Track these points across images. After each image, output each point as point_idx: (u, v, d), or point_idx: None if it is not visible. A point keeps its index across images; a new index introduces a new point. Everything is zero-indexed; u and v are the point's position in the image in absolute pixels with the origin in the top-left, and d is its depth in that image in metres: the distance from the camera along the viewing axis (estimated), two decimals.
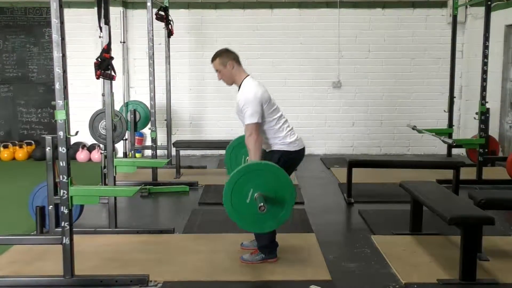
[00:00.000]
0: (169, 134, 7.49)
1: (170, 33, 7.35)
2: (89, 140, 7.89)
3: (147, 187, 5.97)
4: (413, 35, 8.51)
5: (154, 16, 6.82)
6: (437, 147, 8.62)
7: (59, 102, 3.15)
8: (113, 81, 4.37)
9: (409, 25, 8.50)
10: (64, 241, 3.29)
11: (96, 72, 4.08)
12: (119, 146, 7.38)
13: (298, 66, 8.53)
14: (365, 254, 3.98)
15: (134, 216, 5.18)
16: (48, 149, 3.73)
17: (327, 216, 5.09)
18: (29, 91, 8.66)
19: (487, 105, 6.15)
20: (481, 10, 7.05)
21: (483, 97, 6.12)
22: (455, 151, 8.12)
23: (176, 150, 6.83)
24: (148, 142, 8.42)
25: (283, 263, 3.71)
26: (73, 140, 7.92)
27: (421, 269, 3.62)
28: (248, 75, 3.76)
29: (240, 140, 4.24)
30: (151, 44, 6.58)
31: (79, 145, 8.32)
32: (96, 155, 8.18)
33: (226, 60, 3.72)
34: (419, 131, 7.19)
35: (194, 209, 5.30)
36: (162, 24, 7.25)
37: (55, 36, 3.11)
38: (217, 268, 3.64)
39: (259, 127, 3.58)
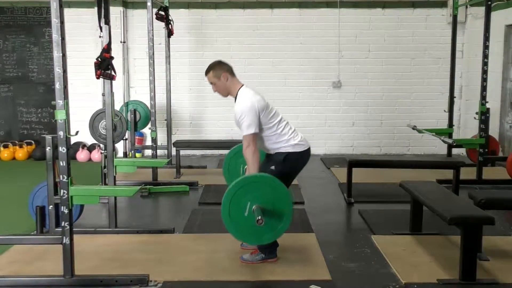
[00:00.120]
0: (169, 134, 7.49)
1: (170, 33, 7.35)
2: (89, 140, 7.89)
3: (147, 187, 5.97)
4: (413, 35, 8.51)
5: (154, 16, 6.82)
6: (437, 147, 8.62)
7: (59, 102, 3.15)
8: (113, 81, 4.38)
9: (409, 25, 8.50)
10: (64, 241, 3.29)
11: (96, 72, 4.08)
12: (119, 146, 7.39)
13: (298, 66, 8.54)
14: (365, 254, 3.98)
15: (134, 216, 5.18)
16: (48, 149, 3.73)
17: (327, 216, 5.09)
18: (29, 91, 8.66)
19: (487, 105, 6.15)
20: (481, 10, 7.05)
21: (483, 97, 6.12)
22: (455, 151, 8.12)
23: (176, 150, 6.83)
24: (148, 142, 8.43)
25: (283, 263, 3.71)
26: (73, 140, 7.92)
27: (421, 269, 3.62)
28: (243, 85, 3.76)
29: (236, 151, 4.25)
30: (151, 44, 6.58)
31: (79, 145, 8.32)
32: (96, 155, 8.18)
33: (220, 73, 3.74)
34: (419, 131, 7.19)
35: (194, 209, 5.30)
36: (162, 24, 7.25)
37: (55, 36, 3.11)
38: (217, 268, 3.64)
39: (256, 137, 3.58)
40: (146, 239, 4.30)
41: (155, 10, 6.87)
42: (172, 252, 4.00)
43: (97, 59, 4.10)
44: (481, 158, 6.23)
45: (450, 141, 6.55)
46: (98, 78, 4.16)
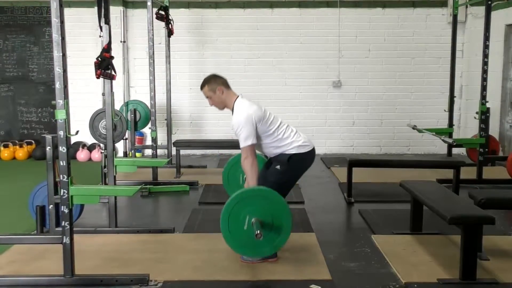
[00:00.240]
0: (169, 133, 7.49)
1: (170, 32, 7.35)
2: (89, 140, 7.90)
3: (147, 186, 5.97)
4: (413, 34, 8.51)
5: (154, 16, 6.82)
6: (437, 147, 8.63)
7: (59, 101, 3.15)
8: (113, 81, 4.37)
9: (409, 25, 8.50)
10: (64, 241, 3.29)
11: (96, 71, 4.08)
12: (119, 146, 7.39)
13: (298, 66, 8.54)
14: (365, 253, 3.98)
15: (134, 216, 5.18)
16: (48, 148, 3.73)
17: (327, 215, 5.09)
18: (29, 91, 8.66)
19: (488, 105, 6.15)
20: (481, 10, 7.04)
21: (483, 97, 6.11)
22: (455, 150, 8.12)
23: (176, 150, 6.83)
24: (148, 142, 8.43)
25: (283, 263, 3.71)
26: (73, 139, 7.92)
27: (421, 268, 3.62)
28: (238, 96, 3.76)
29: (235, 161, 4.25)
30: (151, 44, 6.57)
31: (79, 145, 8.33)
32: (96, 155, 8.18)
33: (215, 86, 3.75)
34: (419, 131, 7.19)
35: (194, 208, 5.30)
36: (162, 24, 7.25)
37: (55, 36, 3.11)
38: (218, 268, 3.63)
39: (255, 148, 3.58)
40: (146, 239, 4.30)
41: (155, 9, 6.87)
42: (172, 251, 4.00)
43: (97, 58, 4.10)
44: (481, 157, 6.23)
45: (450, 140, 6.55)
46: (98, 77, 4.16)
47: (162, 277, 3.47)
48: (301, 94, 8.61)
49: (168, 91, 7.53)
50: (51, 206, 4.04)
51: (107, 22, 4.22)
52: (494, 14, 6.56)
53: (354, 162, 5.69)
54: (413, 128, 7.39)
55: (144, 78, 7.40)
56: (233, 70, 8.53)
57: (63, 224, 3.30)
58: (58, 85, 3.15)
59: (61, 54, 3.12)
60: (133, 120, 7.34)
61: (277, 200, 3.19)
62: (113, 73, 4.21)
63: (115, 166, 4.55)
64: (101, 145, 6.46)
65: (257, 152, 3.75)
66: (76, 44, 7.97)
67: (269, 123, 3.68)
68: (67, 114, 3.18)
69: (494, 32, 6.93)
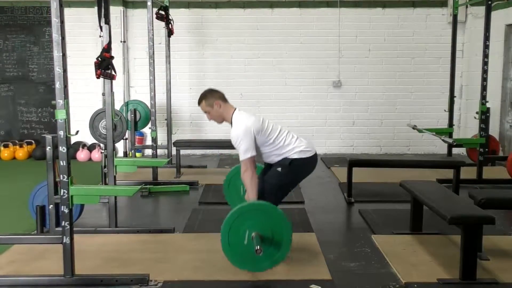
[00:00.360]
0: (169, 133, 7.49)
1: (170, 32, 7.35)
2: (90, 140, 7.90)
3: (148, 186, 5.97)
4: (414, 34, 8.51)
5: (154, 16, 6.82)
6: (437, 147, 8.63)
7: (60, 101, 3.15)
8: (113, 81, 4.38)
9: (409, 25, 8.50)
10: (64, 241, 3.29)
11: (96, 71, 4.08)
12: (120, 146, 7.39)
13: (298, 66, 8.54)
14: (365, 253, 3.98)
15: (134, 216, 5.17)
16: (48, 148, 3.73)
17: (327, 215, 5.09)
18: (29, 91, 8.66)
19: (488, 105, 6.15)
20: (481, 10, 7.04)
21: (483, 97, 6.11)
22: (455, 150, 8.12)
23: (176, 150, 6.83)
24: (149, 142, 8.43)
25: (283, 263, 3.69)
26: (73, 139, 7.92)
27: (421, 268, 3.62)
28: (236, 109, 3.75)
29: (234, 172, 4.25)
30: (151, 44, 6.57)
31: (80, 145, 8.33)
32: (96, 155, 8.18)
33: (212, 101, 3.74)
34: (420, 131, 7.19)
35: (194, 208, 5.30)
36: (163, 24, 7.25)
37: (55, 36, 3.11)
38: (217, 268, 3.63)
39: (254, 160, 3.59)
40: (146, 239, 4.30)
41: (155, 9, 6.87)
42: (172, 251, 4.00)
43: (97, 58, 4.10)
44: (481, 157, 6.23)
45: (450, 140, 6.55)
46: (98, 77, 4.16)
47: (162, 277, 3.47)
48: (301, 94, 8.61)
49: (168, 91, 7.53)
50: (51, 206, 4.04)
51: (107, 22, 4.22)
52: (494, 14, 6.56)
53: (354, 162, 5.69)
54: (413, 128, 7.39)
55: (144, 78, 7.40)
56: (233, 70, 8.54)
57: (63, 224, 3.30)
58: (58, 85, 3.15)
59: (61, 54, 3.12)
60: (133, 120, 7.34)
61: (277, 214, 3.19)
62: (113, 73, 4.21)
63: (115, 166, 4.55)
64: (101, 145, 6.46)
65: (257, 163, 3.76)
66: (76, 44, 7.97)
67: (268, 132, 3.68)
68: (67, 114, 3.18)
69: (494, 32, 6.93)
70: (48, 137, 3.65)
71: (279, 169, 3.69)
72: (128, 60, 8.46)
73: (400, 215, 4.80)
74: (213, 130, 8.52)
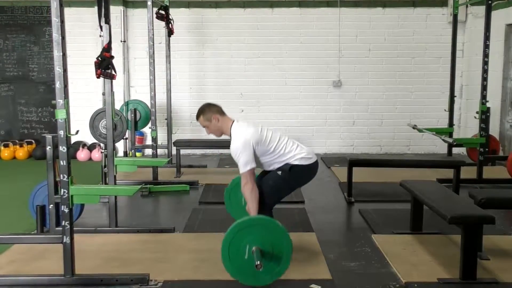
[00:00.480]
0: (169, 133, 7.49)
1: (170, 32, 7.35)
2: (90, 139, 7.90)
3: (148, 186, 5.97)
4: (414, 34, 8.51)
5: (155, 15, 6.82)
6: (437, 146, 8.63)
7: (60, 101, 3.15)
8: (113, 80, 4.38)
9: (409, 24, 8.50)
10: (64, 240, 3.30)
11: (96, 71, 4.08)
12: (120, 145, 7.39)
13: (298, 65, 8.54)
14: (366, 253, 3.98)
15: (134, 215, 5.18)
16: (48, 148, 3.73)
17: (328, 215, 5.09)
18: (29, 90, 8.66)
19: (488, 104, 6.14)
20: (481, 9, 7.04)
21: (483, 96, 6.11)
22: (455, 150, 8.11)
23: (176, 149, 6.83)
24: (149, 141, 8.43)
25: None
26: (73, 139, 7.92)
27: (422, 268, 3.62)
28: (234, 121, 3.75)
29: (235, 182, 4.25)
30: (151, 43, 6.57)
31: (80, 144, 8.33)
32: (96, 154, 8.18)
33: (210, 115, 3.75)
34: (420, 130, 7.19)
35: (194, 208, 5.30)
36: (163, 23, 7.25)
37: (56, 35, 3.11)
38: (218, 267, 3.62)
39: (254, 172, 3.59)
40: (146, 239, 4.30)
41: (155, 9, 6.87)
42: (172, 251, 4.00)
43: (97, 58, 4.11)
44: (481, 157, 6.23)
45: (450, 140, 6.55)
46: (98, 77, 4.16)
47: (162, 277, 3.47)
48: (301, 94, 8.60)
49: (168, 90, 7.53)
50: (51, 205, 4.05)
51: (107, 21, 4.22)
52: (494, 14, 6.56)
53: (354, 162, 5.69)
54: (413, 128, 7.39)
55: (144, 77, 7.40)
56: (233, 70, 8.54)
57: (63, 223, 3.30)
58: (58, 84, 3.15)
59: (61, 53, 3.12)
60: (133, 119, 7.34)
61: (278, 229, 3.20)
62: (113, 72, 4.22)
63: (115, 165, 4.55)
64: (101, 144, 6.46)
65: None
66: (76, 44, 7.97)
67: (268, 142, 3.67)
68: (67, 113, 3.18)
69: (495, 31, 6.93)
70: (48, 136, 3.65)
71: (279, 172, 3.70)
72: (128, 59, 8.46)
73: (400, 215, 4.80)
74: None
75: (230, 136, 3.72)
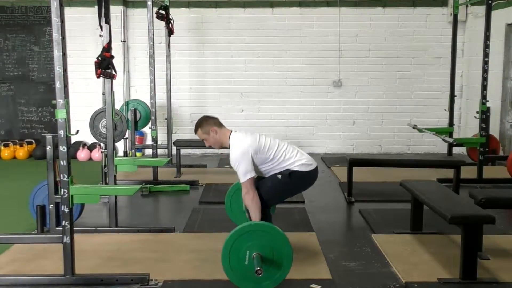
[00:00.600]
0: (169, 133, 7.49)
1: (170, 32, 7.35)
2: (90, 139, 7.90)
3: (148, 186, 5.97)
4: (414, 34, 8.51)
5: (155, 15, 6.82)
6: (437, 146, 8.63)
7: (60, 101, 3.15)
8: (113, 80, 4.38)
9: (409, 24, 8.50)
10: (64, 240, 3.30)
11: (96, 71, 4.08)
12: (120, 145, 7.39)
13: (298, 65, 8.54)
14: (366, 253, 3.98)
15: (134, 215, 5.18)
16: (48, 148, 3.73)
17: (328, 215, 5.09)
18: (29, 90, 8.66)
19: (488, 104, 6.14)
20: (481, 9, 7.04)
21: (483, 96, 6.11)
22: (455, 150, 8.11)
23: (176, 149, 6.83)
24: (149, 141, 8.43)
25: None
26: (73, 139, 7.92)
27: (422, 268, 3.62)
28: (232, 132, 3.76)
29: (236, 188, 4.25)
30: (151, 43, 6.57)
31: (80, 144, 8.33)
32: (96, 154, 8.18)
33: (208, 128, 3.78)
34: (420, 130, 7.19)
35: (194, 208, 5.30)
36: (163, 23, 7.25)
37: (56, 35, 3.11)
38: (218, 267, 3.61)
39: (254, 181, 3.60)
40: (146, 238, 4.30)
41: (155, 9, 6.87)
42: (172, 251, 4.00)
43: (97, 58, 4.11)
44: (481, 157, 6.23)
45: (450, 140, 6.55)
46: (98, 77, 4.16)
47: (162, 277, 3.47)
48: (301, 94, 8.60)
49: (168, 90, 7.52)
50: (52, 205, 4.05)
51: (108, 21, 4.22)
52: (494, 14, 6.55)
53: (354, 162, 5.68)
54: (414, 128, 7.39)
55: (145, 77, 7.40)
56: (233, 69, 8.54)
57: (63, 223, 3.30)
58: (58, 84, 3.15)
59: (61, 53, 3.12)
60: (134, 119, 7.34)
61: (278, 234, 3.20)
62: (113, 72, 4.22)
63: (116, 165, 4.55)
64: (102, 144, 6.46)
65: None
66: (77, 44, 7.97)
67: (266, 149, 3.67)
68: (68, 113, 3.18)
69: (495, 31, 6.93)
70: (49, 136, 3.65)
71: (279, 176, 3.70)
72: (128, 59, 8.46)
73: (400, 215, 4.80)
74: None
75: (229, 146, 3.73)
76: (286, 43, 8.50)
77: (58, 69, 3.14)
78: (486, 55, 6.06)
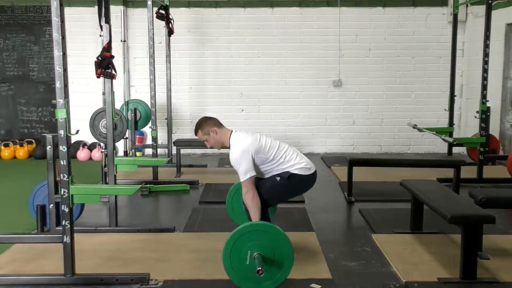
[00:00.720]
0: (169, 132, 7.49)
1: (170, 31, 7.35)
2: (90, 139, 7.90)
3: (148, 185, 5.97)
4: (414, 33, 8.51)
5: (155, 15, 6.82)
6: (437, 146, 8.63)
7: (60, 100, 3.15)
8: (113, 80, 4.38)
9: (409, 24, 8.50)
10: (64, 240, 3.30)
11: (96, 71, 4.08)
12: (120, 145, 7.39)
13: (298, 65, 8.54)
14: (366, 253, 3.98)
15: (134, 215, 5.18)
16: (48, 147, 3.73)
17: (328, 214, 5.09)
18: (29, 90, 8.66)
19: (488, 104, 6.14)
20: (481, 9, 7.04)
21: (483, 96, 6.11)
22: (455, 149, 8.12)
23: (176, 149, 6.83)
24: (149, 141, 8.43)
25: None
26: (73, 138, 7.92)
27: (422, 267, 3.62)
28: (232, 131, 3.77)
29: (237, 188, 4.25)
30: (151, 43, 6.57)
31: (80, 144, 8.33)
32: (96, 154, 8.18)
33: (207, 129, 3.79)
34: (420, 130, 7.19)
35: (194, 207, 5.30)
36: (163, 23, 7.25)
37: (56, 35, 3.11)
38: (218, 267, 3.62)
39: (254, 181, 3.60)
40: (146, 238, 4.30)
41: (155, 9, 6.87)
42: (172, 251, 4.00)
43: (97, 58, 4.11)
44: (481, 157, 6.23)
45: (450, 140, 6.55)
46: (98, 77, 4.16)
47: (162, 276, 3.47)
48: (301, 94, 8.60)
49: (168, 90, 7.52)
50: (52, 205, 4.04)
51: (108, 21, 4.22)
52: (494, 13, 6.55)
53: (354, 161, 5.69)
54: (414, 127, 7.39)
55: (145, 77, 7.40)
56: (233, 69, 8.54)
57: (63, 223, 3.30)
58: (58, 84, 3.15)
59: (61, 53, 3.12)
60: (134, 119, 7.34)
61: (279, 234, 3.20)
62: (113, 72, 4.22)
63: (116, 165, 4.55)
64: (102, 144, 6.46)
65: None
66: (77, 44, 7.97)
67: (267, 149, 3.68)
68: (68, 113, 3.18)
69: (495, 31, 6.93)
70: (49, 136, 3.65)
71: (278, 178, 3.71)
72: (128, 59, 8.46)
73: (400, 215, 4.80)
74: None
75: (229, 146, 3.73)
76: (286, 43, 8.50)
77: (58, 69, 3.14)
78: (486, 54, 6.06)
